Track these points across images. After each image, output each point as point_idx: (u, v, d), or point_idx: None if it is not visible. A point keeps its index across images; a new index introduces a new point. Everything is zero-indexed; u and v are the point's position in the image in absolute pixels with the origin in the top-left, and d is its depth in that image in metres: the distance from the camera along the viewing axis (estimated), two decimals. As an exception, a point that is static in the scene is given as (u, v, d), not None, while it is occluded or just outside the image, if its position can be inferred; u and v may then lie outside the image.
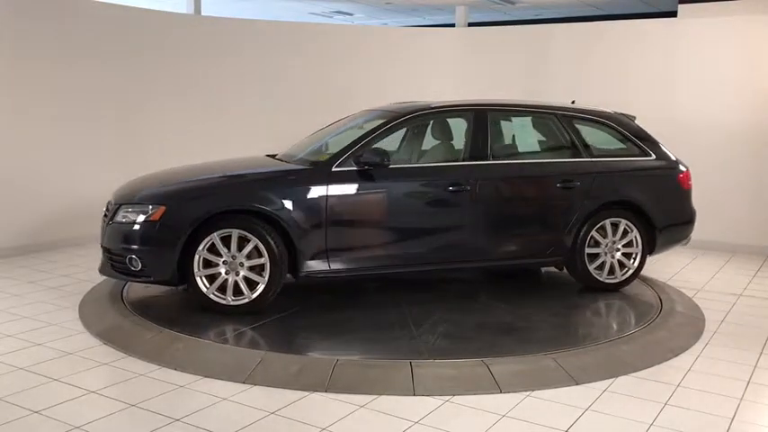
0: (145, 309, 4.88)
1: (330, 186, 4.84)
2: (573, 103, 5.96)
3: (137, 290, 5.39)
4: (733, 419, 3.47)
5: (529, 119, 5.81)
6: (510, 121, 5.72)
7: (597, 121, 5.68)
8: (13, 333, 4.51)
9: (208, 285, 4.69)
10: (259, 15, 11.73)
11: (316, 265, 4.85)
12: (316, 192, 4.81)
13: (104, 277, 5.73)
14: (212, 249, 4.68)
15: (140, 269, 4.72)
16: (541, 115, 5.71)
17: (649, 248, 5.58)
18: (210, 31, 8.48)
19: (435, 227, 5.15)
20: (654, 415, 3.49)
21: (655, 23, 8.35)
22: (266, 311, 4.76)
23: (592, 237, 5.39)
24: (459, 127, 5.50)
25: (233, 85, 8.57)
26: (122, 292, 5.28)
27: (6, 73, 6.72)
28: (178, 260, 4.62)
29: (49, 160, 7.10)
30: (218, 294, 4.69)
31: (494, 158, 5.29)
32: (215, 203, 4.68)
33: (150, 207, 4.71)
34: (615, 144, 5.73)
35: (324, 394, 3.65)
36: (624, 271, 5.52)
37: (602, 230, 5.43)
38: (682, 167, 5.75)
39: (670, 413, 3.52)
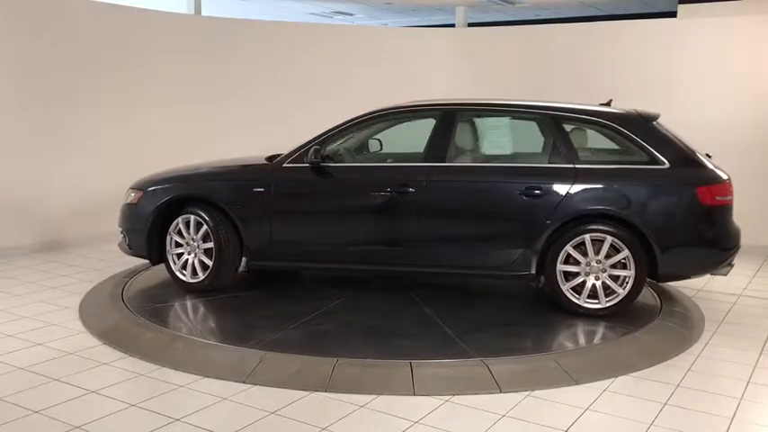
0: (145, 309, 4.88)
1: (277, 182, 5.13)
2: (610, 102, 5.45)
3: (137, 290, 5.40)
4: (733, 419, 3.46)
5: (506, 119, 5.36)
6: (483, 121, 5.39)
7: (596, 123, 5.05)
8: (13, 333, 4.52)
9: (175, 262, 5.29)
10: (259, 15, 11.72)
11: (261, 255, 5.20)
12: (264, 186, 5.13)
13: (105, 277, 5.83)
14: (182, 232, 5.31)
15: (128, 244, 5.50)
16: (522, 116, 5.29)
17: (651, 273, 4.80)
18: (210, 31, 8.49)
19: (377, 227, 5.08)
20: (654, 415, 3.48)
21: (655, 23, 8.35)
22: (216, 292, 5.26)
23: (568, 253, 4.75)
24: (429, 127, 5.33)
25: (233, 86, 8.57)
26: (122, 292, 5.28)
27: (6, 73, 6.73)
28: (156, 240, 5.32)
29: (49, 160, 7.10)
30: (182, 272, 5.29)
31: (449, 161, 5.02)
32: (172, 192, 5.30)
33: (135, 192, 5.45)
34: (616, 148, 5.14)
35: (324, 394, 3.65)
36: (611, 297, 4.76)
37: (585, 246, 4.76)
38: (706, 179, 4.76)
39: (670, 413, 3.52)
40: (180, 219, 5.24)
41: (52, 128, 7.11)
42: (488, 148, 5.30)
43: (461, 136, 5.21)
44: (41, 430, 3.22)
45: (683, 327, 4.82)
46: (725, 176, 4.87)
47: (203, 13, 9.01)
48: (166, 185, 5.36)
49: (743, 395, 3.77)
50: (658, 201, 4.80)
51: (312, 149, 5.05)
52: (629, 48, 8.13)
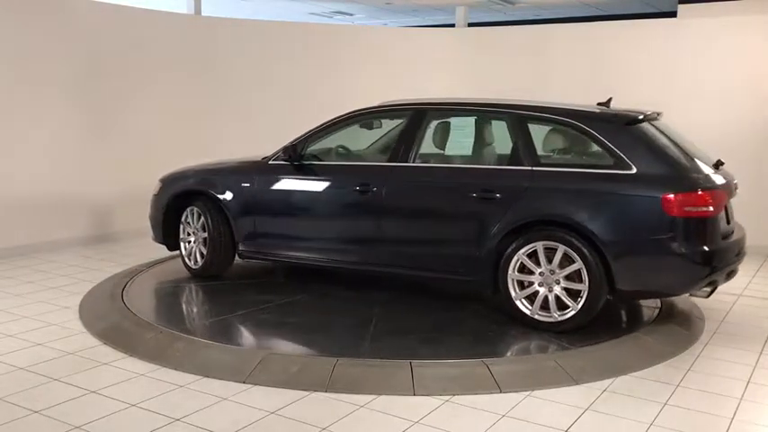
0: (145, 309, 4.88)
1: (261, 178, 5.44)
2: (610, 100, 5.20)
3: (137, 290, 5.40)
4: (733, 419, 3.47)
5: (471, 120, 5.27)
6: (450, 121, 5.36)
7: (563, 123, 4.75)
8: (13, 333, 4.52)
9: (185, 249, 5.76)
10: (259, 15, 11.72)
11: (247, 246, 5.55)
12: (250, 182, 5.47)
13: (104, 277, 5.83)
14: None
15: (152, 231, 6.00)
16: (489, 115, 5.18)
17: (610, 288, 4.36)
18: (210, 31, 8.49)
19: (342, 225, 5.24)
20: (654, 415, 3.48)
21: (655, 23, 8.35)
22: (214, 278, 5.70)
23: (521, 261, 4.49)
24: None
25: (233, 85, 8.57)
26: (122, 292, 5.28)
27: (6, 73, 6.72)
28: (171, 228, 5.80)
29: (49, 160, 7.10)
30: (189, 258, 5.75)
31: (411, 161, 4.98)
32: (179, 185, 5.78)
33: (159, 184, 5.94)
34: (583, 151, 4.85)
35: (324, 394, 3.65)
36: (565, 311, 4.42)
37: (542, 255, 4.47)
38: (674, 187, 4.25)
39: (670, 413, 3.52)
40: (188, 210, 5.69)
41: (50, 128, 7.10)
42: (451, 148, 5.27)
43: (426, 136, 5.16)
44: (41, 430, 3.22)
45: (683, 327, 4.82)
46: (710, 185, 4.39)
47: (203, 13, 9.01)
48: (176, 179, 5.85)
49: (743, 395, 3.77)
50: (617, 209, 4.37)
51: (283, 148, 5.35)
52: (629, 48, 8.12)
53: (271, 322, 4.73)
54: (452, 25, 10.43)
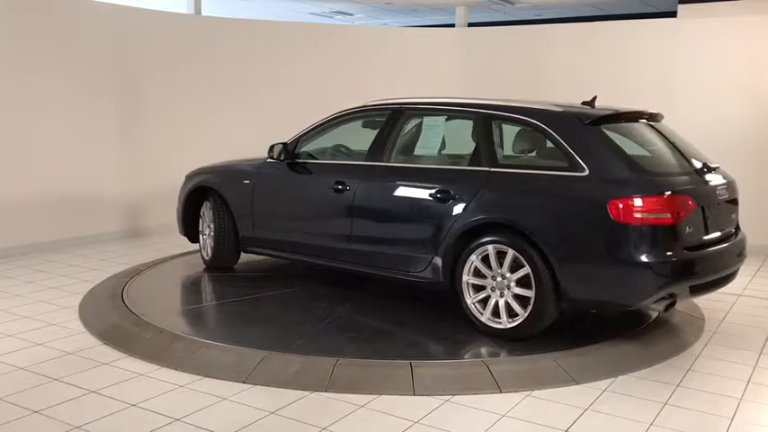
0: (145, 309, 4.88)
1: (258, 176, 5.66)
2: (594, 99, 4.88)
3: (137, 290, 5.40)
4: (733, 419, 3.47)
5: (442, 119, 5.19)
6: (422, 121, 5.29)
7: (524, 123, 4.59)
8: (13, 333, 4.52)
9: (202, 242, 6.09)
10: (259, 15, 11.71)
11: (247, 242, 5.77)
12: (250, 179, 5.69)
13: (104, 277, 5.82)
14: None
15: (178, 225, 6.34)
16: (457, 115, 5.10)
17: (557, 294, 4.14)
18: (210, 31, 8.49)
19: (319, 224, 5.34)
20: (654, 415, 3.49)
21: (655, 23, 8.35)
22: (223, 270, 6.01)
23: (474, 264, 4.39)
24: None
25: (232, 86, 8.57)
26: (122, 292, 5.28)
27: (6, 73, 6.72)
28: (190, 221, 6.17)
29: (49, 160, 7.10)
30: (203, 250, 6.07)
31: (384, 160, 4.99)
32: (194, 182, 6.08)
33: (184, 179, 6.24)
34: (542, 152, 4.67)
35: (324, 394, 3.65)
36: (514, 318, 4.26)
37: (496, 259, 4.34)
38: (623, 192, 3.98)
39: (670, 413, 3.52)
40: (204, 204, 5.99)
41: (50, 128, 7.10)
42: (420, 148, 5.21)
43: (400, 136, 5.13)
44: (41, 430, 3.22)
45: (683, 326, 4.83)
46: (671, 190, 4.08)
47: (203, 13, 9.01)
48: (195, 175, 6.14)
49: (743, 395, 3.77)
50: (564, 213, 4.18)
51: (270, 147, 5.53)
52: (629, 48, 8.12)
53: (228, 313, 4.98)
54: (452, 25, 10.43)
